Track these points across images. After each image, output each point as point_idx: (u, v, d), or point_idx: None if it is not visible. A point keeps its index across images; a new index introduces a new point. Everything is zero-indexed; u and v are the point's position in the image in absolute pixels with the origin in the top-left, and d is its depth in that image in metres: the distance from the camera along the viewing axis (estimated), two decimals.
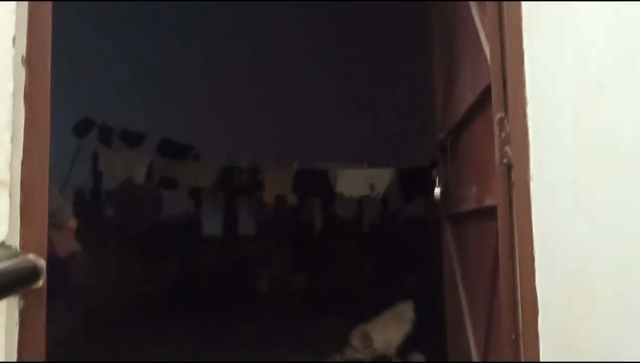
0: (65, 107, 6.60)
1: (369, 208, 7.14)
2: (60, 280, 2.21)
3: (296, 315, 6.16)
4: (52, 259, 2.19)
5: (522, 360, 1.46)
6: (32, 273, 1.17)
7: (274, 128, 8.01)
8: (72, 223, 2.36)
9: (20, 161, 1.19)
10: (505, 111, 1.54)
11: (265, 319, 4.72)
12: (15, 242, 1.18)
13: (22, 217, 1.19)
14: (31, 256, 1.19)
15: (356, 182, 6.10)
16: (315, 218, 7.08)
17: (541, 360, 1.40)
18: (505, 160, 1.53)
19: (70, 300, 2.33)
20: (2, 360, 1.12)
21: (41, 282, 1.19)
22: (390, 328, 3.91)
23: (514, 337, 1.51)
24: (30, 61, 1.22)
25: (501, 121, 1.54)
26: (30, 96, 1.21)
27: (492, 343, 1.83)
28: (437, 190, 2.62)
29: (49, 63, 1.25)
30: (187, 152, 6.57)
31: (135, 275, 7.45)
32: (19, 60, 1.19)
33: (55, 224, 2.26)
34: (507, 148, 1.52)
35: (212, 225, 6.83)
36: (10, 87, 1.15)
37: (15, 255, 1.18)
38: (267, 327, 5.42)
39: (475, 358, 2.08)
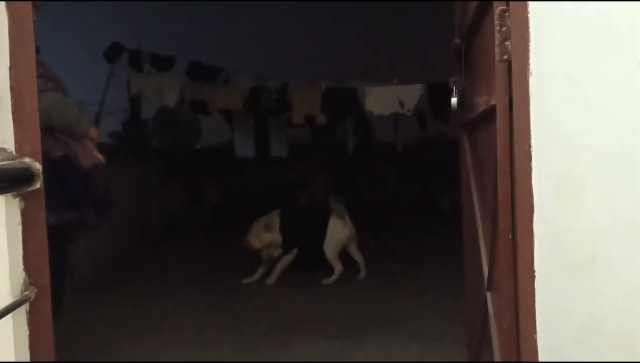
0: (96, 33, 6.64)
1: (400, 126, 7.06)
2: (86, 190, 2.30)
3: None
4: (77, 170, 2.29)
5: (517, 259, 1.46)
6: (28, 174, 1.22)
7: (301, 48, 7.86)
8: (93, 133, 2.42)
9: (8, 67, 1.22)
10: (507, 2, 1.46)
11: None
12: (10, 146, 1.23)
13: (15, 122, 1.23)
14: (27, 159, 1.24)
15: (385, 99, 5.99)
16: (346, 137, 7.06)
17: (535, 259, 1.41)
18: (505, 56, 1.46)
19: (99, 210, 2.42)
20: (7, 255, 1.20)
21: (38, 184, 1.25)
22: (264, 236, 4.64)
23: (510, 236, 1.51)
24: None
25: (502, 14, 1.46)
26: (12, 3, 1.22)
27: (495, 244, 1.83)
28: (453, 100, 2.56)
29: None
30: (217, 74, 6.57)
31: (172, 198, 7.75)
32: None
33: (75, 136, 2.32)
34: (507, 43, 1.45)
35: (244, 148, 6.92)
36: None
37: (12, 158, 1.23)
38: None
39: (484, 262, 2.10)
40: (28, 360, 1.23)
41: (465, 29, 2.36)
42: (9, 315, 1.17)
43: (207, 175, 8.32)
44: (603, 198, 1.21)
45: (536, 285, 1.40)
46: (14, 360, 1.19)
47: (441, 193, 8.02)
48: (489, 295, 2.05)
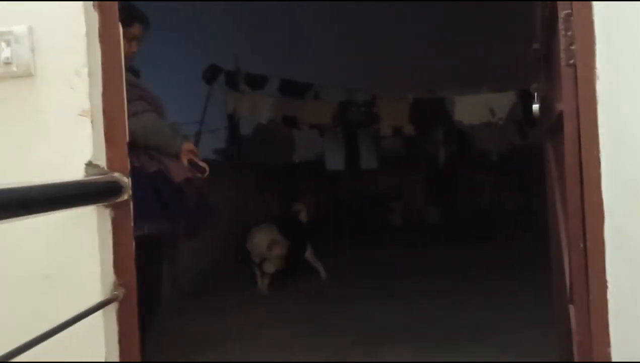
0: (193, 56, 7.12)
1: (491, 135, 6.86)
2: (178, 203, 2.48)
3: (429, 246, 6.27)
4: (170, 184, 2.48)
5: (589, 269, 1.41)
6: (117, 187, 1.38)
7: (389, 59, 7.89)
8: (190, 147, 2.59)
9: (101, 93, 1.39)
10: (571, 6, 1.43)
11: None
12: (102, 163, 1.40)
13: (107, 141, 1.40)
14: (116, 174, 1.40)
15: (475, 108, 5.85)
16: (436, 147, 6.98)
17: (607, 268, 1.35)
18: (571, 61, 1.43)
19: (193, 221, 2.60)
20: (99, 258, 1.36)
21: (126, 196, 1.40)
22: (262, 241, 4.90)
23: (582, 245, 1.46)
24: (101, 6, 1.39)
25: (567, 18, 1.43)
26: (103, 36, 1.39)
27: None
28: (535, 106, 2.48)
29: (117, 5, 1.42)
30: (307, 90, 6.77)
31: (268, 208, 8.05)
32: (90, 5, 1.37)
33: (168, 154, 2.51)
34: (573, 47, 1.42)
35: (335, 161, 7.05)
36: (83, 29, 1.34)
37: (104, 173, 1.40)
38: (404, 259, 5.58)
39: (567, 270, 2.02)
40: (117, 352, 1.38)
41: (543, 32, 2.30)
42: (100, 313, 1.32)
43: (297, 187, 8.56)
44: None
45: (608, 296, 1.35)
46: (104, 353, 1.34)
47: (539, 201, 7.66)
48: (571, 307, 1.96)
